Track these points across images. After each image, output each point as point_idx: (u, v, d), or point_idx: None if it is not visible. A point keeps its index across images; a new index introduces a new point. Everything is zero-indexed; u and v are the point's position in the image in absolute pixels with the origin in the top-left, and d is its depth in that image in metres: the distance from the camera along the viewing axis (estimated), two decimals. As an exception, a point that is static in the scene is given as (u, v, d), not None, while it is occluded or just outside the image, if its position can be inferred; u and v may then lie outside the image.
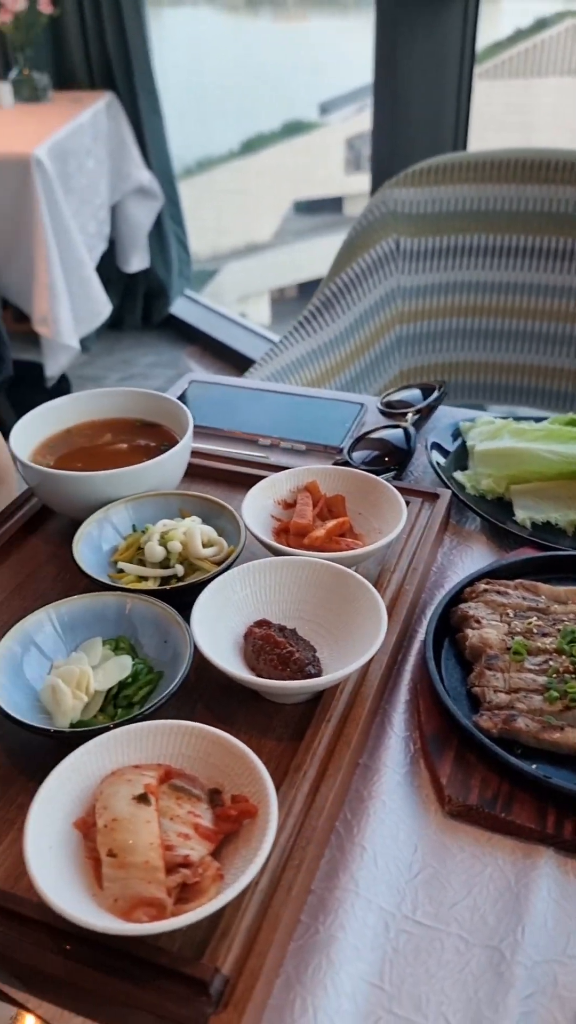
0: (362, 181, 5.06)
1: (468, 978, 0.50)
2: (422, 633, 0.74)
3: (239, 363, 3.19)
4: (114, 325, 3.47)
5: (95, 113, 2.88)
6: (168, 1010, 0.46)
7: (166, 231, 3.33)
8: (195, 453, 0.90)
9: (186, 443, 0.80)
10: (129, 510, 0.76)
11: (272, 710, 0.64)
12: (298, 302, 4.75)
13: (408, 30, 2.07)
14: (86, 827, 0.52)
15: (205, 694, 0.65)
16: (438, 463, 0.92)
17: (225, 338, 3.31)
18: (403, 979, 0.50)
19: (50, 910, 0.50)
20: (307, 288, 4.73)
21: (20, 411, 0.99)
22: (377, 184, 2.29)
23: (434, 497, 0.85)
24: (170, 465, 0.79)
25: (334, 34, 4.50)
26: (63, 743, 0.60)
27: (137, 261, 3.27)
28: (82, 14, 3.01)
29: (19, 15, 2.84)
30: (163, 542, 0.71)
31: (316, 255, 4.93)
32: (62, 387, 3.06)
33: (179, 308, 3.56)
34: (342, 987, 0.50)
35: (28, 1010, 0.49)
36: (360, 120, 4.90)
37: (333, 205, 5.16)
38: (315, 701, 0.64)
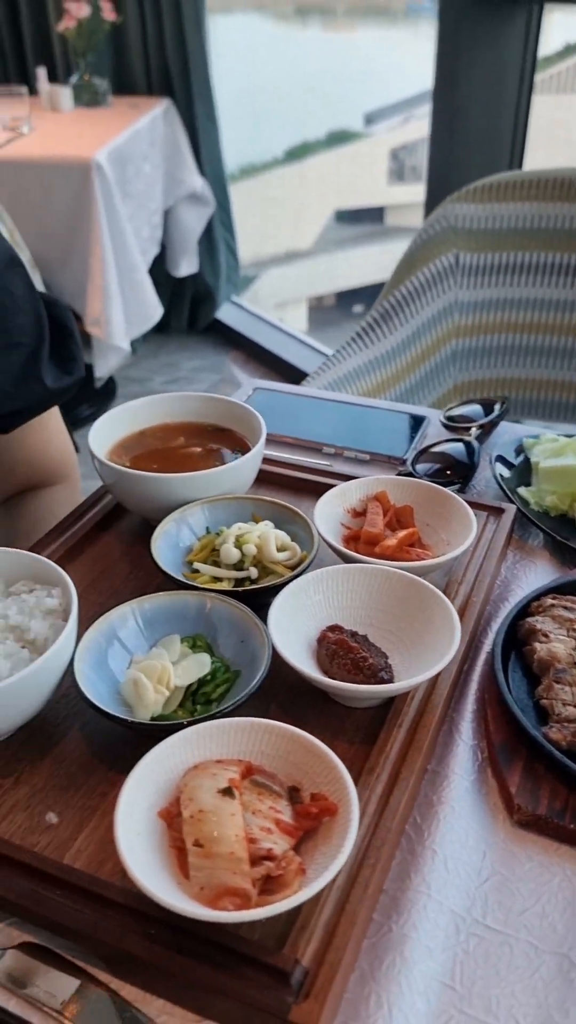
0: (405, 192, 5.08)
1: (538, 983, 0.51)
2: (487, 645, 0.75)
3: (283, 370, 3.21)
4: (160, 328, 3.50)
5: (153, 119, 2.92)
6: (251, 997, 0.48)
7: (216, 237, 3.37)
8: (263, 459, 0.92)
9: (259, 449, 0.82)
10: (205, 512, 0.78)
11: (343, 713, 0.66)
12: (336, 310, 4.77)
13: (470, 42, 2.09)
14: (170, 817, 0.54)
15: (278, 695, 0.67)
16: (501, 475, 0.93)
17: (270, 344, 3.34)
18: (474, 981, 0.51)
19: (134, 894, 0.52)
20: (345, 297, 4.75)
21: (66, 409, 1.01)
22: (432, 195, 2.31)
23: (499, 511, 0.86)
24: (244, 470, 0.81)
25: (382, 44, 4.51)
26: (144, 735, 0.62)
27: (186, 266, 3.31)
28: (143, 21, 3.06)
29: (83, 22, 2.89)
30: (238, 545, 0.73)
31: (355, 264, 4.95)
32: (109, 388, 3.11)
33: (225, 313, 3.59)
34: (415, 985, 0.51)
35: (100, 984, 0.51)
36: (405, 131, 4.92)
37: (374, 215, 5.17)
38: (385, 706, 0.66)
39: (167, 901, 0.47)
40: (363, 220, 5.20)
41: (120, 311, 2.52)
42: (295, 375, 3.11)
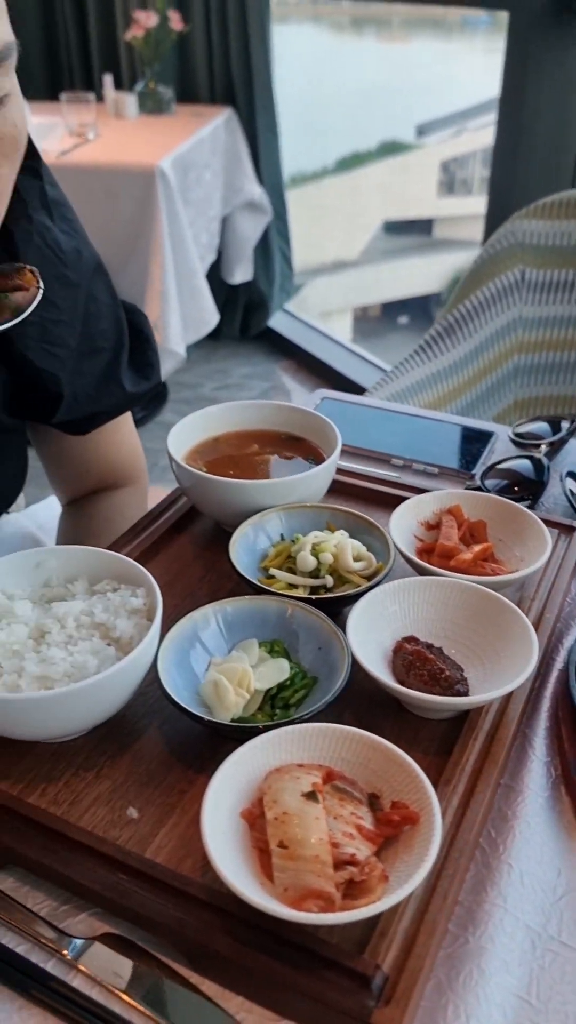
0: (455, 204, 5.07)
1: (615, 1003, 0.51)
2: (558, 662, 0.75)
3: (333, 379, 3.23)
4: (212, 334, 3.53)
5: (215, 128, 2.96)
6: (332, 1000, 0.48)
7: (272, 245, 3.39)
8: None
9: (334, 459, 0.83)
10: (281, 519, 0.79)
11: (417, 723, 0.66)
12: (381, 321, 4.77)
13: (539, 55, 2.08)
14: (252, 818, 0.55)
15: (352, 703, 0.68)
16: (572, 492, 0.93)
17: (321, 354, 3.36)
18: (550, 996, 0.52)
19: (216, 891, 0.53)
20: (391, 308, 4.75)
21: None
22: (493, 209, 2.31)
23: (570, 529, 0.86)
24: (318, 479, 0.82)
25: (436, 56, 4.51)
26: (223, 737, 0.63)
27: (241, 273, 3.34)
28: (209, 31, 3.10)
29: (150, 31, 2.94)
30: (315, 553, 0.74)
31: (402, 275, 4.95)
32: (160, 392, 3.14)
33: (276, 321, 3.61)
34: (492, 997, 0.51)
35: (180, 978, 0.52)
36: (457, 143, 4.91)
37: (423, 227, 5.17)
38: (459, 719, 0.66)
39: (255, 900, 0.48)
40: (411, 231, 5.20)
41: (178, 316, 2.55)
42: (346, 385, 3.12)
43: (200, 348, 3.51)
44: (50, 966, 0.53)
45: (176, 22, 2.97)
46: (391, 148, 5.04)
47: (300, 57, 3.88)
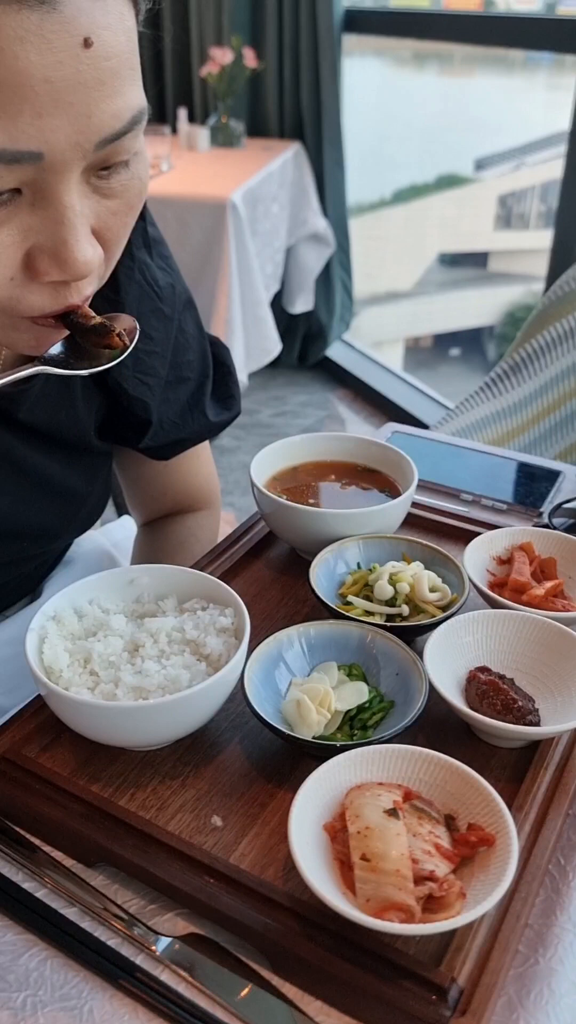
0: (511, 238, 5.09)
1: None
2: (625, 699, 0.77)
3: (390, 411, 3.26)
4: (271, 362, 3.61)
5: (284, 162, 3.04)
6: (410, 1008, 0.51)
7: (333, 277, 3.46)
8: (406, 501, 0.96)
9: (411, 493, 0.87)
10: (360, 548, 0.83)
11: (488, 751, 0.69)
12: (432, 352, 4.80)
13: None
14: (334, 831, 0.58)
15: (425, 727, 0.70)
16: None
17: (378, 385, 3.40)
18: (618, 1021, 0.54)
19: (298, 898, 0.56)
20: (443, 339, 4.78)
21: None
22: (559, 243, 2.33)
23: None
24: (395, 512, 0.86)
25: (498, 92, 4.55)
26: (304, 753, 0.66)
27: (302, 303, 3.40)
28: (281, 69, 3.20)
29: (225, 67, 3.04)
30: (392, 582, 0.77)
31: (455, 307, 4.97)
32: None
33: (334, 351, 3.67)
34: (562, 1017, 0.53)
35: (262, 979, 0.55)
36: (515, 178, 4.95)
37: (478, 260, 5.19)
38: (528, 749, 0.68)
39: (341, 908, 0.51)
40: (466, 264, 5.22)
41: (241, 344, 2.62)
42: (401, 415, 3.16)
43: (258, 375, 3.57)
44: (139, 960, 0.57)
45: (250, 59, 3.07)
46: (449, 181, 5.08)
47: (363, 90, 3.96)
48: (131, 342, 0.66)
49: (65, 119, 0.50)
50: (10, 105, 0.48)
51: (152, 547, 1.04)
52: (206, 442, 1.03)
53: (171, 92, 3.43)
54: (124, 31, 0.52)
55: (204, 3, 3.22)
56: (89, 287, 0.60)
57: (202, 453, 1.03)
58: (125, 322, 0.67)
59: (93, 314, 0.62)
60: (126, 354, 0.66)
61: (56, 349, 0.64)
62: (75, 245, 0.55)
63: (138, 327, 0.68)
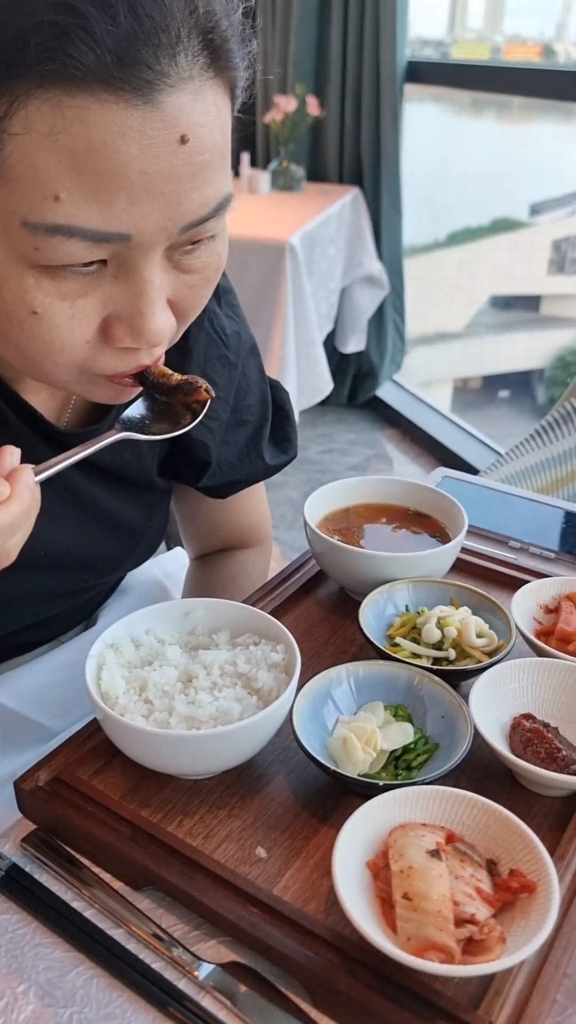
0: (564, 283, 5.10)
1: None
2: None
3: (438, 453, 3.27)
4: (320, 400, 3.65)
5: (342, 206, 3.10)
6: (447, 1048, 0.52)
7: (386, 318, 3.50)
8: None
9: (461, 539, 0.88)
10: (409, 590, 0.84)
11: (531, 798, 0.70)
12: (481, 393, 4.81)
13: None
14: (376, 869, 0.59)
15: (467, 771, 0.71)
16: None
17: (426, 426, 3.41)
18: None
19: (340, 933, 0.58)
20: (492, 381, 4.79)
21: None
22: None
23: None
24: (445, 556, 0.87)
25: (555, 138, 4.58)
26: (349, 790, 0.68)
27: (354, 343, 3.45)
28: (343, 117, 3.28)
29: (288, 115, 3.12)
30: (440, 626, 0.79)
31: (506, 350, 4.98)
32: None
33: (384, 390, 3.70)
34: (599, 1070, 0.54)
35: (300, 1012, 0.56)
36: (570, 223, 4.96)
37: (530, 303, 5.20)
38: (571, 798, 0.69)
39: (383, 945, 0.52)
40: (518, 307, 5.24)
41: (294, 383, 2.66)
42: (449, 457, 3.17)
43: (307, 412, 3.62)
44: (181, 984, 0.58)
45: (313, 107, 3.15)
46: (503, 225, 5.12)
47: (421, 135, 4.03)
48: (212, 395, 0.69)
49: (156, 207, 0.53)
50: (106, 192, 0.52)
51: (204, 580, 1.06)
52: (261, 482, 1.06)
53: (235, 137, 3.53)
54: (220, 127, 0.55)
55: (271, 53, 3.32)
56: (160, 350, 0.64)
57: (256, 493, 1.05)
58: (201, 382, 0.69)
59: (172, 372, 0.65)
60: (201, 415, 0.69)
61: (136, 412, 0.67)
62: (151, 317, 0.58)
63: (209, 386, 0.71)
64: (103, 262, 0.56)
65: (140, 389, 0.66)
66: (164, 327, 0.59)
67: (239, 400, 0.92)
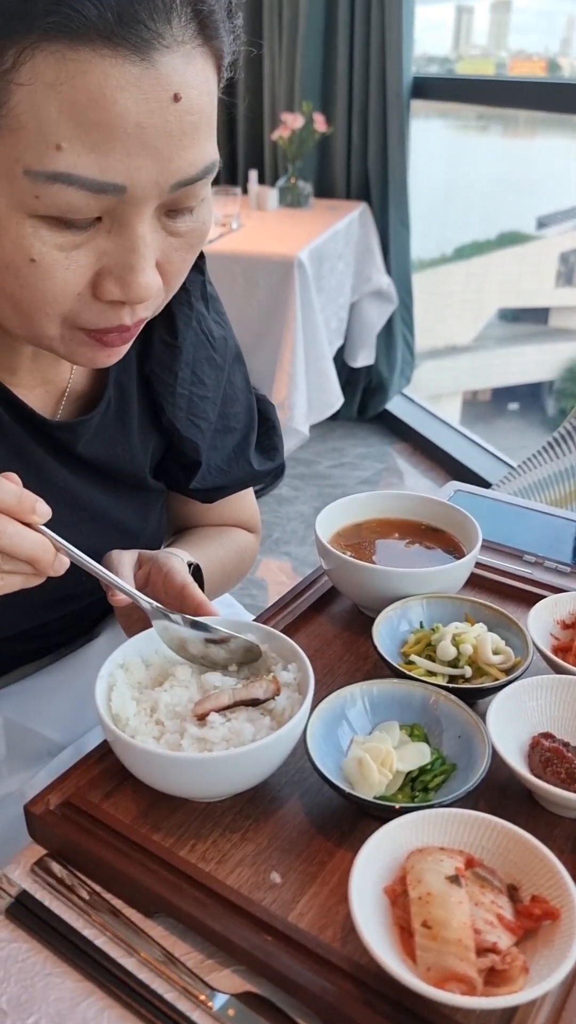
0: (572, 295, 5.09)
1: None
2: None
3: (449, 466, 3.26)
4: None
5: (350, 222, 3.11)
6: None
7: (395, 333, 3.49)
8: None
9: (475, 554, 0.87)
10: (423, 607, 0.83)
11: (551, 820, 0.68)
12: (490, 406, 4.79)
13: None
14: (394, 895, 0.58)
15: (485, 792, 0.70)
16: None
17: (436, 439, 3.40)
18: None
19: (356, 962, 0.56)
20: (501, 394, 4.78)
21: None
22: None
23: None
24: (458, 572, 0.86)
25: (561, 152, 4.59)
26: (364, 813, 0.66)
27: (363, 357, 3.44)
28: (349, 133, 3.29)
29: (296, 132, 3.13)
30: (455, 643, 0.77)
31: (514, 362, 4.98)
32: (279, 469, 3.24)
33: (394, 404, 3.69)
34: None
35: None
36: (577, 236, 4.97)
37: (538, 316, 5.20)
38: (593, 820, 0.67)
39: (403, 977, 0.51)
40: (526, 319, 5.24)
41: (304, 397, 2.66)
42: (459, 470, 3.15)
43: (317, 426, 3.61)
44: (195, 1015, 0.57)
45: (320, 124, 3.16)
46: (511, 238, 5.12)
47: (427, 150, 4.04)
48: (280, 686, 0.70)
49: (149, 160, 0.57)
50: (105, 143, 0.55)
51: (202, 533, 1.05)
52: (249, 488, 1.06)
53: (243, 155, 3.55)
54: (207, 92, 0.60)
55: (277, 70, 3.34)
56: (144, 311, 0.67)
57: (245, 497, 1.06)
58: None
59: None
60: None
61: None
62: (140, 272, 0.61)
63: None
64: (98, 219, 0.59)
65: (122, 353, 0.69)
66: (152, 283, 0.62)
67: (226, 407, 0.94)
